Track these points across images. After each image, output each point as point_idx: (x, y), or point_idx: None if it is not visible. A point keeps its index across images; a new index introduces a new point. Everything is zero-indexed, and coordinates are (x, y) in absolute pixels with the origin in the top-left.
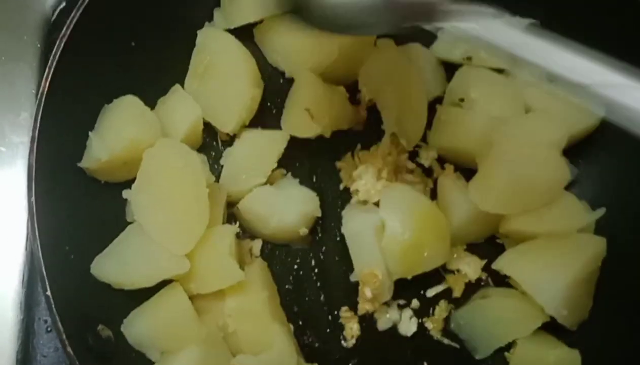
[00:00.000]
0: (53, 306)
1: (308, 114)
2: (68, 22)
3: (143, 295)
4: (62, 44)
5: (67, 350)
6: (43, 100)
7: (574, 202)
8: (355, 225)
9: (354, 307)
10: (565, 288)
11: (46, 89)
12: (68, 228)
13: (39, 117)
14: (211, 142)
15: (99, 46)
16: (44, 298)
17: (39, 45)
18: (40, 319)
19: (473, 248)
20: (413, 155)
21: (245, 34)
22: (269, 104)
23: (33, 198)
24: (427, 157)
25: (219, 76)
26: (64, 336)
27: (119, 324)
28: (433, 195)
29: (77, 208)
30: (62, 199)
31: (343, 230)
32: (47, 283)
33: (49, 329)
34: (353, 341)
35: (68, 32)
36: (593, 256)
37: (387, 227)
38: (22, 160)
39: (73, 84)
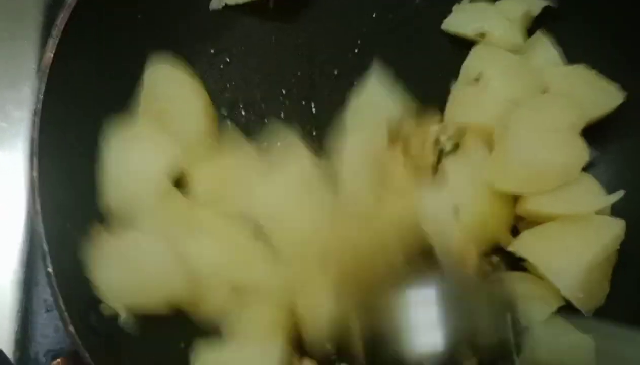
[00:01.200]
0: (54, 283)
1: None
2: None
3: None
4: (68, 14)
5: (68, 328)
6: (47, 72)
7: (592, 184)
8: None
9: None
10: (583, 271)
11: (50, 62)
12: (70, 205)
13: (43, 90)
14: None
15: (104, 18)
16: (44, 276)
17: (40, 19)
18: (39, 299)
19: None
20: None
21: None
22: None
23: (35, 173)
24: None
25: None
26: (66, 314)
27: None
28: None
29: (80, 184)
30: (64, 175)
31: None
32: (48, 260)
33: (48, 309)
34: None
35: (73, 2)
36: (612, 239)
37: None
38: (23, 136)
39: (77, 56)
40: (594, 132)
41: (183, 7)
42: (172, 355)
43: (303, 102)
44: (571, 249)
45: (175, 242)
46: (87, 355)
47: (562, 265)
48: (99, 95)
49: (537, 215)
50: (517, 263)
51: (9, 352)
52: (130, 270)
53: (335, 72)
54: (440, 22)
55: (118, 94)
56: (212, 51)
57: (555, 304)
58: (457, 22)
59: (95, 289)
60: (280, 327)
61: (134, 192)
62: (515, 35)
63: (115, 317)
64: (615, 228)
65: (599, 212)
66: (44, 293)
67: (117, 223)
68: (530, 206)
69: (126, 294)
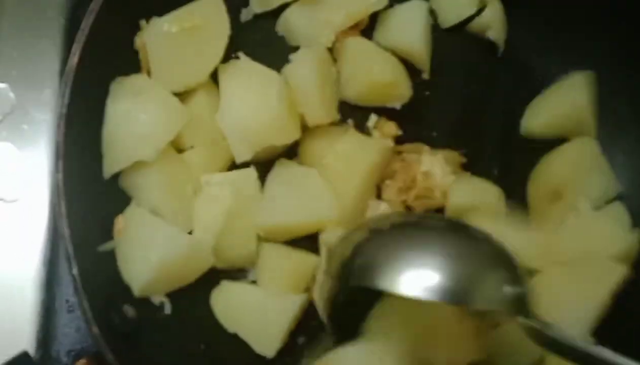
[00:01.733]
0: (79, 285)
1: None
2: None
3: None
4: (92, 18)
5: (92, 329)
6: (72, 76)
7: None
8: None
9: None
10: (594, 319)
11: (74, 65)
12: (94, 207)
13: (68, 94)
14: None
15: (127, 21)
16: (68, 277)
17: (62, 22)
18: (61, 299)
19: None
20: None
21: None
22: None
23: (60, 175)
24: None
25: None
26: (90, 315)
27: (144, 304)
28: None
29: (104, 186)
30: (89, 177)
31: None
32: (73, 262)
33: (70, 309)
34: None
35: (97, 6)
36: (617, 283)
37: None
38: (45, 138)
39: (102, 59)
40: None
41: None
42: (194, 355)
43: None
44: (580, 298)
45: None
46: (111, 356)
47: (573, 317)
48: None
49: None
50: None
51: (30, 351)
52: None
53: None
54: None
55: None
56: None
57: None
58: None
59: (123, 285)
60: (304, 279)
61: (137, 153)
62: None
63: (136, 318)
64: (620, 272)
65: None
66: (66, 293)
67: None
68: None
69: (153, 284)
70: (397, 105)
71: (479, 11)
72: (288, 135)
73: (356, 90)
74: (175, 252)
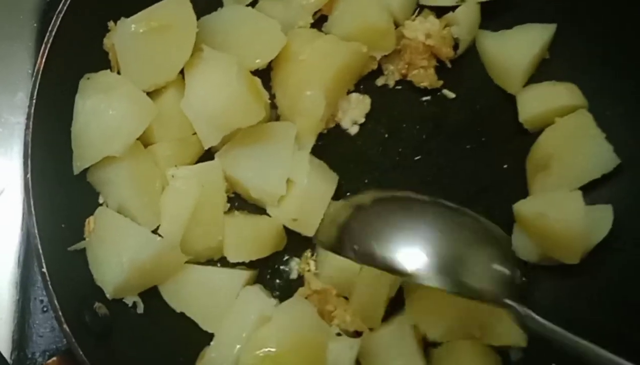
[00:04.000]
0: (49, 283)
1: None
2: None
3: None
4: (59, 21)
5: (63, 327)
6: (39, 77)
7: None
8: None
9: None
10: None
11: (42, 66)
12: (64, 206)
13: (35, 95)
14: None
15: (96, 23)
16: (39, 276)
17: (35, 25)
18: (36, 299)
19: None
20: None
21: None
22: None
23: (29, 175)
24: None
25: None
26: (60, 313)
27: (115, 302)
28: None
29: (73, 185)
30: (58, 177)
31: None
32: (43, 260)
33: (45, 309)
34: None
35: (65, 7)
36: None
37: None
38: (19, 140)
39: (69, 61)
40: None
41: None
42: (165, 353)
43: None
44: None
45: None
46: (80, 353)
47: None
48: None
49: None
50: None
51: (6, 352)
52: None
53: None
54: None
55: None
56: None
57: None
58: None
59: (94, 283)
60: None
61: (105, 149)
62: None
63: (107, 315)
64: None
65: None
66: (40, 294)
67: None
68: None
69: (126, 285)
70: (378, 55)
71: (457, 7)
72: (252, 116)
73: (345, 29)
74: (146, 253)
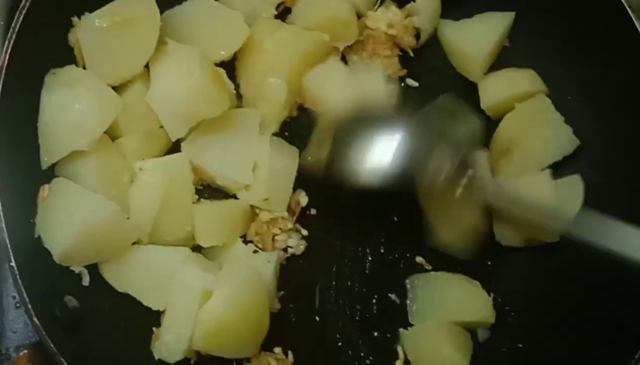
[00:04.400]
0: (18, 277)
1: None
2: None
3: None
4: (22, 16)
5: (33, 320)
6: (3, 73)
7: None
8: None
9: None
10: None
11: (5, 63)
12: (32, 201)
13: (0, 92)
14: None
15: (60, 19)
16: (9, 271)
17: (1, 23)
18: (8, 296)
19: None
20: None
21: None
22: None
23: None
24: None
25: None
26: (30, 306)
27: (86, 295)
28: None
29: (41, 180)
30: (25, 172)
31: None
32: (11, 254)
33: (17, 305)
34: None
35: (28, 3)
36: None
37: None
38: None
39: (34, 57)
40: None
41: None
42: (136, 344)
43: None
44: None
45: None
46: (51, 345)
47: None
48: None
49: None
50: None
51: None
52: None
53: None
54: None
55: None
56: None
57: None
58: None
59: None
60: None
61: (72, 143)
62: None
63: (78, 308)
64: None
65: None
66: (13, 290)
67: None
68: None
69: (75, 249)
70: (341, 45)
71: None
72: (216, 106)
73: (308, 20)
74: (100, 218)
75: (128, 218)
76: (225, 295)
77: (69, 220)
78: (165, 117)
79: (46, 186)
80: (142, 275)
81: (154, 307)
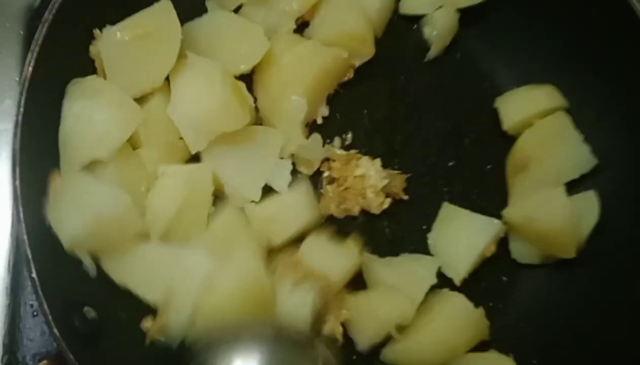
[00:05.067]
0: (39, 288)
1: None
2: (50, 6)
3: None
4: (45, 29)
5: (53, 331)
6: (26, 85)
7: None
8: None
9: None
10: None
11: (29, 74)
12: None
13: (23, 102)
14: None
15: (82, 31)
16: (29, 282)
17: (22, 33)
18: (26, 304)
19: None
20: None
21: None
22: None
23: (17, 182)
24: None
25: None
26: (50, 317)
27: (104, 306)
28: None
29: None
30: (46, 183)
31: None
32: (32, 265)
33: (35, 314)
34: None
35: (51, 16)
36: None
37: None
38: (6, 147)
39: (56, 69)
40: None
41: None
42: (155, 355)
43: None
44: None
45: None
46: (71, 357)
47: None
48: None
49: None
50: None
51: None
52: (87, 215)
53: None
54: None
55: None
56: None
57: None
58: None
59: (83, 287)
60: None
61: (92, 153)
62: None
63: (97, 319)
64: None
65: None
66: (30, 298)
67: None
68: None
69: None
70: (357, 62)
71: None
72: (237, 120)
73: (325, 34)
74: (112, 210)
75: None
76: (227, 284)
77: (81, 211)
78: (186, 129)
79: (56, 174)
80: (142, 270)
81: (154, 299)
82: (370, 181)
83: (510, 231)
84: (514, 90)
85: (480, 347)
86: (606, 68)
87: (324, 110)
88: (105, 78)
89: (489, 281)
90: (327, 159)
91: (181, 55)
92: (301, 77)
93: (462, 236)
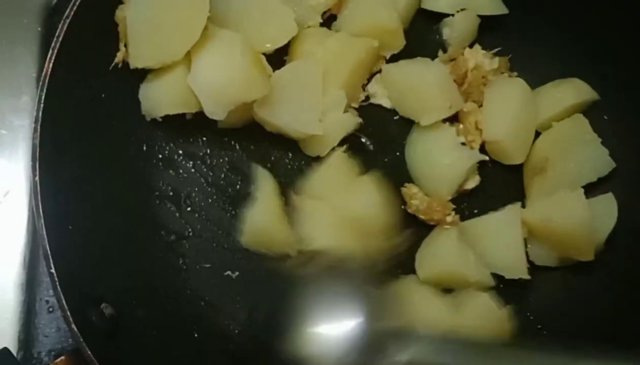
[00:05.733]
0: (57, 283)
1: None
2: (72, 3)
3: (145, 271)
4: (66, 25)
5: (71, 327)
6: (47, 81)
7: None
8: None
9: None
10: None
11: (49, 70)
12: (72, 207)
13: (43, 98)
14: None
15: (102, 27)
16: (47, 277)
17: (39, 29)
18: (42, 300)
19: None
20: None
21: None
22: None
23: (37, 178)
24: None
25: None
26: (68, 313)
27: (122, 302)
28: None
29: (81, 187)
30: (65, 179)
31: None
32: (51, 261)
33: (50, 310)
34: None
35: (72, 12)
36: None
37: None
38: (23, 143)
39: (76, 65)
40: None
41: None
42: (172, 352)
43: None
44: None
45: None
46: (89, 352)
47: None
48: (97, 102)
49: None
50: None
51: (12, 352)
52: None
53: None
54: None
55: (115, 99)
56: None
57: None
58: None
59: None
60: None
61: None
62: None
63: (114, 316)
64: None
65: None
66: (46, 294)
67: None
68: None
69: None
70: (387, 54)
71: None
72: (256, 90)
73: (354, 27)
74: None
75: None
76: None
77: None
78: (205, 99)
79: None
80: None
81: None
82: (485, 67)
83: (528, 233)
84: (540, 87)
85: None
86: (624, 72)
87: (362, 96)
88: (126, 44)
89: (506, 283)
90: None
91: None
92: (337, 70)
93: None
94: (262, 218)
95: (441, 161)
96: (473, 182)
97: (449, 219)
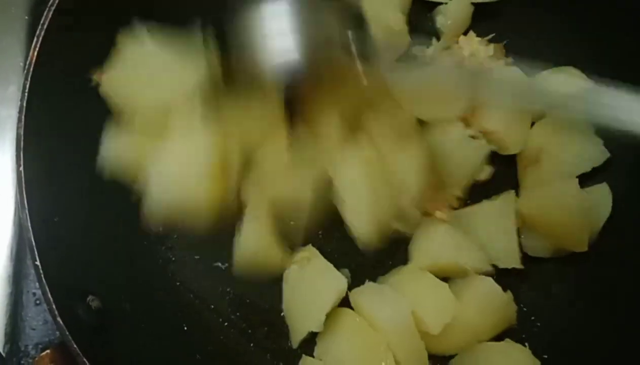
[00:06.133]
0: (42, 276)
1: None
2: None
3: (132, 263)
4: (51, 13)
5: (56, 320)
6: (31, 70)
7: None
8: None
9: None
10: None
11: (34, 59)
12: (57, 198)
13: (27, 88)
14: None
15: (88, 16)
16: (32, 270)
17: (26, 18)
18: (28, 292)
19: None
20: None
21: None
22: None
23: (22, 168)
24: None
25: None
26: (54, 306)
27: (109, 295)
28: None
29: (66, 178)
30: (50, 169)
31: None
32: (36, 253)
33: (37, 302)
34: None
35: (57, 1)
36: None
37: None
38: (10, 134)
39: (62, 54)
40: None
41: None
42: (160, 345)
43: None
44: None
45: None
46: (75, 346)
47: None
48: (83, 92)
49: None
50: None
51: None
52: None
53: None
54: None
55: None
56: None
57: None
58: None
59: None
60: None
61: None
62: None
63: (101, 309)
64: None
65: None
66: (33, 286)
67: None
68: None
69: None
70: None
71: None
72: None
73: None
74: None
75: None
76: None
77: None
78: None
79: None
80: None
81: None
82: (481, 53)
83: (522, 223)
84: (535, 76)
85: (494, 338)
86: (619, 59)
87: None
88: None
89: (499, 274)
90: None
91: None
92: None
93: None
94: (253, 244)
95: (455, 154)
96: (485, 173)
97: (438, 214)
